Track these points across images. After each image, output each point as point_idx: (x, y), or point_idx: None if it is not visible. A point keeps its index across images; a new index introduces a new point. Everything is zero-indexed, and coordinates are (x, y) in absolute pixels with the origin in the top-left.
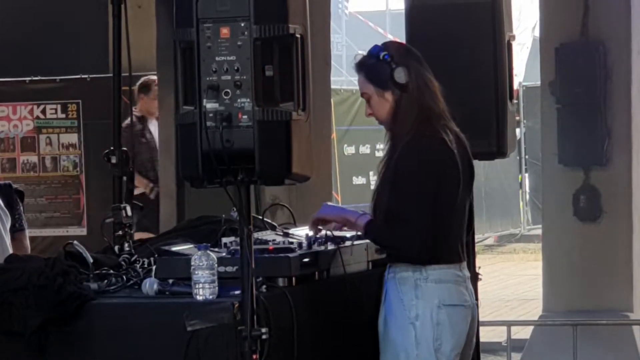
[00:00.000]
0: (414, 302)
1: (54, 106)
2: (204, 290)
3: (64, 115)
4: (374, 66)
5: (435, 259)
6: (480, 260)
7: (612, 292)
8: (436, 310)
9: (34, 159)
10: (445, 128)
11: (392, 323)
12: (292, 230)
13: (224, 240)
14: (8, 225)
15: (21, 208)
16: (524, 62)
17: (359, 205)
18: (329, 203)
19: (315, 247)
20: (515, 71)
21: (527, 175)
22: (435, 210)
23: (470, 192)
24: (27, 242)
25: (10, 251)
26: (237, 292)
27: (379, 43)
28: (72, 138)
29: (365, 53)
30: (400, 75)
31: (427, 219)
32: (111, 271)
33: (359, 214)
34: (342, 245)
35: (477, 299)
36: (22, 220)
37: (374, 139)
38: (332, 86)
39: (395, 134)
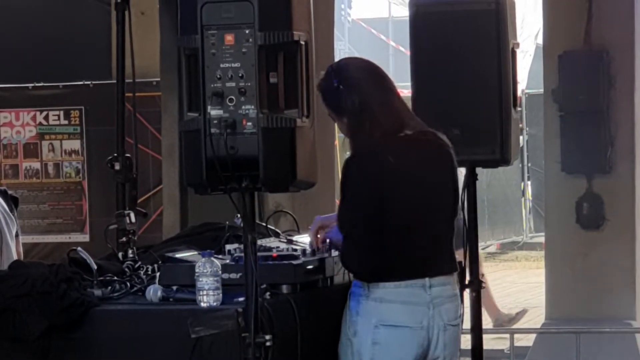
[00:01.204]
0: (354, 318)
1: (56, 112)
2: (207, 297)
3: (66, 122)
4: (327, 91)
5: (380, 277)
6: (482, 268)
7: (615, 300)
8: (373, 329)
9: (36, 165)
10: (404, 141)
11: (340, 337)
12: (295, 238)
13: (228, 247)
14: (14, 231)
15: (16, 214)
16: (527, 70)
17: None
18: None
19: (319, 254)
20: (518, 78)
21: (529, 182)
22: (376, 227)
23: (449, 200)
24: (21, 249)
25: (16, 257)
26: (241, 299)
27: (381, 50)
28: (75, 144)
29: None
30: (347, 100)
31: (365, 234)
32: (115, 278)
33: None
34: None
35: (479, 307)
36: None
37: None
38: None
39: (351, 151)
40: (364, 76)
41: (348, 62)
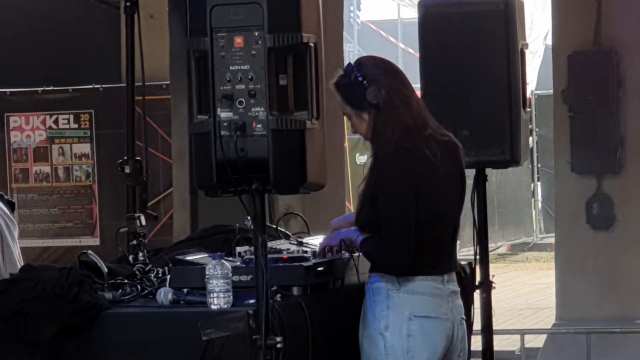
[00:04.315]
0: (384, 312)
1: (66, 116)
2: (218, 299)
3: (76, 126)
4: (348, 86)
5: (411, 271)
6: (493, 269)
7: (626, 300)
8: (407, 321)
9: (46, 169)
10: (428, 140)
11: (364, 334)
12: (306, 239)
13: (238, 249)
14: (16, 234)
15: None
16: (536, 71)
17: None
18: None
19: (329, 256)
20: (527, 79)
21: (539, 183)
22: (412, 223)
23: (461, 202)
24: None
25: (19, 260)
26: (252, 301)
27: (390, 52)
28: (85, 148)
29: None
30: (372, 94)
31: (403, 231)
32: (126, 281)
33: (359, 234)
34: (356, 254)
35: (490, 307)
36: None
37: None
38: None
39: (376, 148)
40: (386, 72)
41: (368, 58)
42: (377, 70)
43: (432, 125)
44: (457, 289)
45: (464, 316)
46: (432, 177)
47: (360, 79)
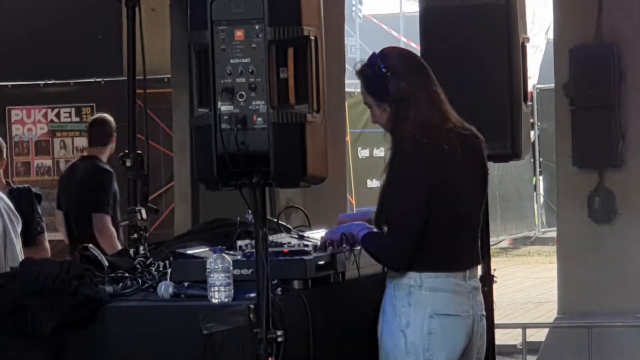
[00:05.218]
0: (405, 309)
1: (68, 109)
2: (219, 293)
3: (78, 119)
4: (371, 77)
5: (432, 268)
6: (495, 263)
7: (627, 294)
8: (428, 319)
9: (48, 162)
10: (449, 133)
11: (384, 329)
12: (307, 233)
13: (239, 243)
14: (19, 229)
15: (40, 211)
16: (537, 65)
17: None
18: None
19: (330, 250)
20: (529, 73)
21: (541, 177)
22: (419, 221)
23: (483, 196)
24: (47, 244)
25: (21, 255)
26: (253, 294)
27: (391, 45)
28: (86, 141)
29: (364, 61)
30: (394, 87)
31: (408, 228)
32: (126, 274)
33: (361, 229)
34: (356, 248)
35: (492, 302)
36: (42, 223)
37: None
38: (346, 89)
39: (395, 141)
40: (410, 64)
41: (393, 49)
42: (400, 63)
43: (453, 119)
44: (479, 284)
45: (484, 313)
46: (450, 173)
47: (384, 70)
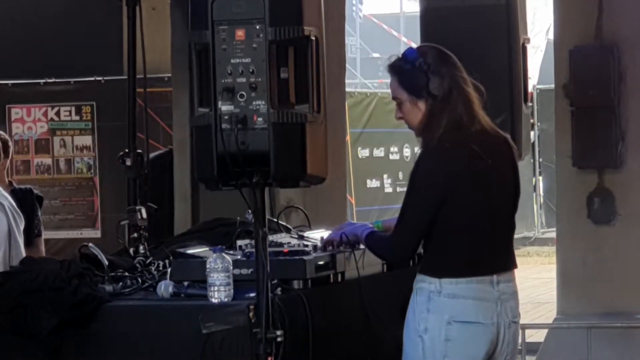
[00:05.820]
0: (424, 315)
1: (68, 108)
2: (219, 292)
3: (78, 118)
4: (409, 73)
5: (452, 273)
6: None
7: (627, 295)
8: (446, 325)
9: (48, 161)
10: (476, 135)
11: (406, 334)
12: (307, 233)
13: (239, 242)
14: (22, 227)
15: (40, 214)
16: (538, 65)
17: (373, 207)
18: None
19: (330, 250)
20: (529, 74)
21: (541, 178)
22: (423, 225)
23: (514, 199)
24: (43, 247)
25: (24, 253)
26: (252, 294)
27: (393, 46)
28: (86, 140)
29: (399, 55)
30: (435, 85)
31: (412, 230)
32: (126, 273)
33: (364, 229)
34: (356, 248)
35: None
36: (40, 226)
37: (388, 142)
38: (347, 89)
39: (424, 140)
40: (449, 64)
41: (432, 47)
42: (440, 62)
43: (483, 121)
44: (511, 290)
45: (515, 319)
46: (474, 175)
47: (425, 67)
